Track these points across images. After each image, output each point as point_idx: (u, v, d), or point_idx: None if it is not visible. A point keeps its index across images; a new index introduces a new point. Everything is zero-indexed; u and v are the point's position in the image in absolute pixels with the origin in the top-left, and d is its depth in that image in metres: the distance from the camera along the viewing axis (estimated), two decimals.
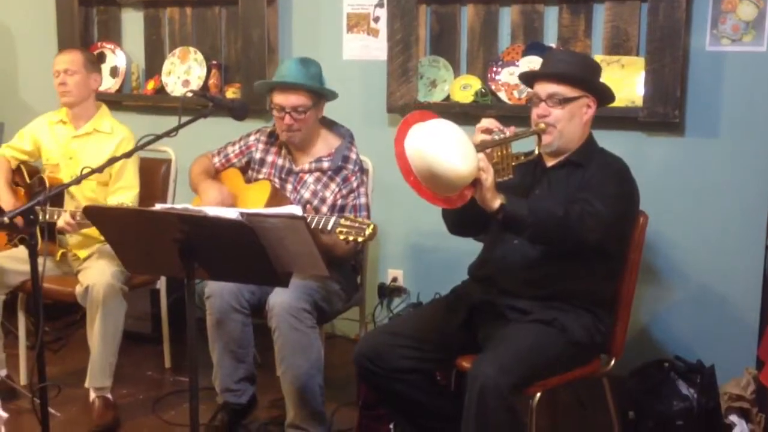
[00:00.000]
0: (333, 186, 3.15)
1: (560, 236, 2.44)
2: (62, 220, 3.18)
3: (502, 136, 2.48)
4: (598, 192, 2.51)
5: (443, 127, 2.33)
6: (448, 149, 2.26)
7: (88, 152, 3.44)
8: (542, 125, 2.60)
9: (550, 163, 2.68)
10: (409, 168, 2.31)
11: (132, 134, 3.51)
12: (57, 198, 3.27)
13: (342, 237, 2.67)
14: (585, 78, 2.62)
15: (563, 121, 2.60)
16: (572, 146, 2.64)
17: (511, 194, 2.51)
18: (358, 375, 2.77)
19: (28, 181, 3.55)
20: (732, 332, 3.38)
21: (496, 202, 2.37)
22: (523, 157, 2.57)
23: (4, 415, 1.82)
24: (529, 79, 2.76)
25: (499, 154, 2.48)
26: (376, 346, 2.64)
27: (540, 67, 2.76)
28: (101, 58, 4.44)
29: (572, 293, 2.58)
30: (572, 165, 2.64)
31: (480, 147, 2.41)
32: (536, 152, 2.61)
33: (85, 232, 3.34)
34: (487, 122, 2.52)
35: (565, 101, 2.59)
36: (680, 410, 2.90)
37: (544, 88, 2.62)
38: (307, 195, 3.16)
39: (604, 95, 2.70)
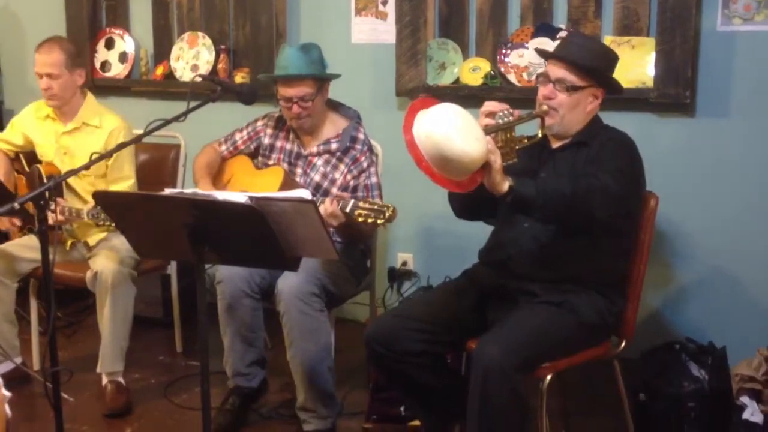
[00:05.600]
0: (342, 167, 3.15)
1: (570, 213, 2.43)
2: (51, 218, 3.14)
3: (506, 119, 2.47)
4: (604, 166, 2.49)
5: (451, 111, 2.32)
6: (459, 133, 2.26)
7: (80, 147, 3.41)
8: (545, 107, 2.58)
9: (555, 144, 2.66)
10: (420, 155, 2.30)
11: (123, 122, 3.46)
12: (56, 189, 3.23)
13: (361, 219, 2.67)
14: (597, 69, 2.59)
15: (566, 108, 2.57)
16: (574, 131, 2.62)
17: (517, 176, 2.50)
18: (368, 358, 2.78)
19: (27, 169, 3.54)
20: (743, 313, 3.37)
21: (505, 184, 2.36)
22: (526, 140, 2.55)
23: (8, 394, 1.82)
24: (544, 55, 2.74)
25: (503, 138, 2.47)
26: (386, 329, 2.64)
27: (556, 47, 2.74)
28: (110, 43, 4.44)
29: (583, 274, 2.57)
30: (577, 145, 2.62)
31: (485, 131, 2.40)
32: (539, 135, 2.60)
33: (88, 221, 3.35)
34: (490, 105, 2.50)
35: (572, 89, 2.56)
36: (691, 392, 2.90)
37: (554, 71, 2.59)
38: (317, 178, 3.16)
39: (612, 88, 2.68)
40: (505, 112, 2.48)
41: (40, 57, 3.37)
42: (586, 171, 2.50)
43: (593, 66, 2.58)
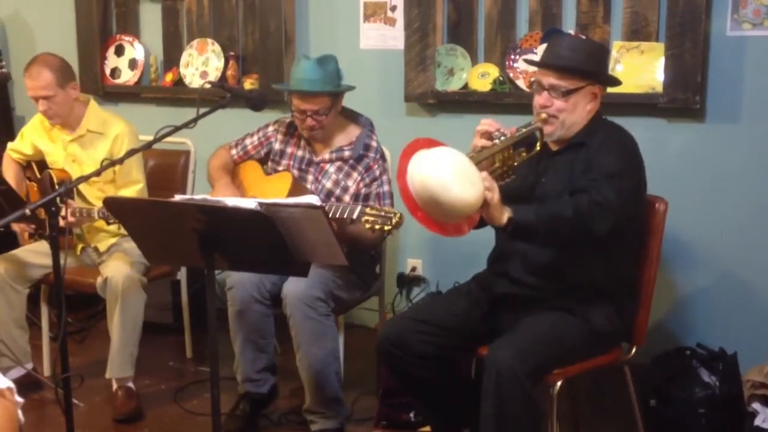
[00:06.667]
0: (355, 175, 3.15)
1: (572, 236, 2.42)
2: (62, 221, 3.16)
3: (503, 138, 2.44)
4: (602, 173, 2.44)
5: (445, 157, 2.27)
6: (455, 179, 2.21)
7: (87, 154, 3.43)
8: (543, 115, 2.53)
9: (554, 147, 2.62)
10: (415, 204, 2.26)
11: (127, 126, 3.47)
12: (66, 195, 3.24)
13: (368, 226, 2.67)
14: (588, 70, 2.54)
15: (566, 113, 2.53)
16: (576, 131, 2.58)
17: (518, 188, 2.49)
18: (380, 359, 2.78)
19: (38, 176, 3.57)
20: (754, 319, 3.36)
21: (504, 216, 2.35)
22: (524, 154, 2.52)
23: (20, 400, 1.83)
24: (534, 65, 2.71)
25: (501, 157, 2.44)
26: (399, 331, 2.64)
27: (542, 55, 2.67)
28: (120, 50, 4.46)
29: (592, 280, 2.55)
30: (576, 146, 2.58)
31: (482, 156, 2.38)
32: (537, 148, 2.55)
33: (97, 224, 3.36)
34: (486, 125, 2.47)
35: (568, 93, 2.51)
36: (702, 398, 2.89)
37: (546, 78, 2.54)
38: (328, 185, 3.16)
39: (609, 82, 2.66)
40: (500, 131, 2.45)
41: (30, 82, 3.33)
42: (585, 182, 2.46)
43: (583, 67, 2.53)
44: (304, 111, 3.07)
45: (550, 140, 2.60)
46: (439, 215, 2.28)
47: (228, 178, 3.27)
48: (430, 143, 2.36)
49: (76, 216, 3.20)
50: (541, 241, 2.46)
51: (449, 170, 2.23)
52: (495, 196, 2.31)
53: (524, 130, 2.52)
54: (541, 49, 3.54)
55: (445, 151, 2.30)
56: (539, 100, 2.56)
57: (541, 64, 2.60)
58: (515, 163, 2.48)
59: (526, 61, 2.78)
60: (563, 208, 2.41)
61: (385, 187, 3.16)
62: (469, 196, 2.24)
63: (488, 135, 2.46)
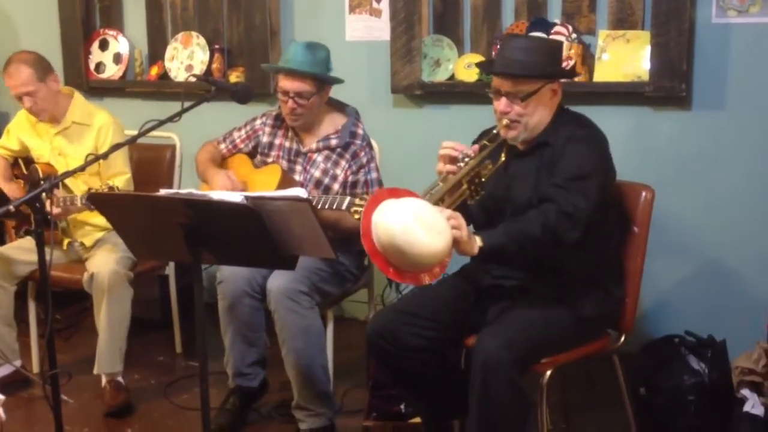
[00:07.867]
0: (343, 163, 3.14)
1: (543, 252, 2.41)
2: (54, 209, 3.14)
3: (467, 159, 2.41)
4: (568, 176, 2.42)
5: (409, 213, 2.21)
6: (422, 232, 2.18)
7: (72, 146, 3.42)
8: (505, 121, 2.50)
9: (522, 147, 2.58)
10: (386, 263, 2.24)
11: (111, 118, 3.46)
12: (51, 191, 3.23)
13: (357, 216, 2.65)
14: (544, 72, 2.50)
15: (527, 116, 2.50)
16: (541, 128, 2.55)
17: (489, 197, 2.49)
18: (369, 352, 2.77)
19: (25, 172, 3.55)
20: (743, 306, 3.37)
21: (475, 247, 2.33)
22: (490, 166, 2.49)
23: (1, 397, 1.82)
24: (487, 70, 2.67)
25: (468, 179, 2.42)
26: (388, 324, 2.63)
27: (495, 61, 2.61)
28: (104, 44, 4.43)
29: (576, 268, 2.55)
30: (540, 145, 2.54)
31: (448, 185, 2.36)
32: (503, 158, 2.54)
33: (81, 218, 3.34)
34: (449, 148, 2.45)
35: (527, 96, 2.47)
36: (691, 385, 2.90)
37: (502, 85, 2.49)
38: (317, 174, 3.15)
39: (566, 75, 2.62)
40: (464, 152, 2.43)
41: (10, 81, 3.32)
42: (551, 183, 2.44)
43: (537, 71, 2.48)
44: (287, 92, 3.06)
45: (516, 143, 2.57)
46: (411, 268, 2.26)
47: (216, 167, 3.25)
48: (392, 193, 2.32)
49: (61, 205, 3.17)
50: (515, 260, 2.46)
51: (416, 222, 2.18)
52: (463, 234, 2.29)
53: (487, 144, 2.50)
54: None
55: (407, 206, 2.24)
56: (498, 106, 2.52)
57: (494, 72, 2.55)
58: (483, 180, 2.45)
59: (479, 66, 2.72)
60: (532, 225, 2.38)
61: (373, 174, 3.15)
62: (437, 246, 2.21)
63: (452, 159, 2.44)
